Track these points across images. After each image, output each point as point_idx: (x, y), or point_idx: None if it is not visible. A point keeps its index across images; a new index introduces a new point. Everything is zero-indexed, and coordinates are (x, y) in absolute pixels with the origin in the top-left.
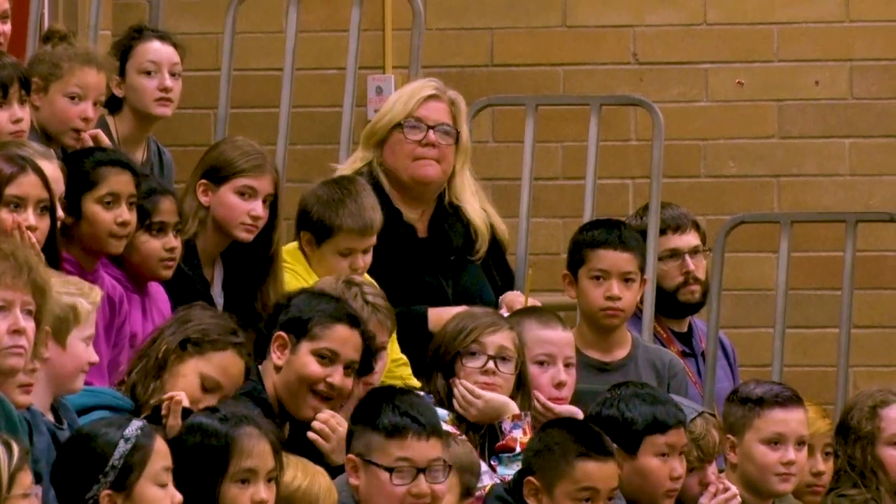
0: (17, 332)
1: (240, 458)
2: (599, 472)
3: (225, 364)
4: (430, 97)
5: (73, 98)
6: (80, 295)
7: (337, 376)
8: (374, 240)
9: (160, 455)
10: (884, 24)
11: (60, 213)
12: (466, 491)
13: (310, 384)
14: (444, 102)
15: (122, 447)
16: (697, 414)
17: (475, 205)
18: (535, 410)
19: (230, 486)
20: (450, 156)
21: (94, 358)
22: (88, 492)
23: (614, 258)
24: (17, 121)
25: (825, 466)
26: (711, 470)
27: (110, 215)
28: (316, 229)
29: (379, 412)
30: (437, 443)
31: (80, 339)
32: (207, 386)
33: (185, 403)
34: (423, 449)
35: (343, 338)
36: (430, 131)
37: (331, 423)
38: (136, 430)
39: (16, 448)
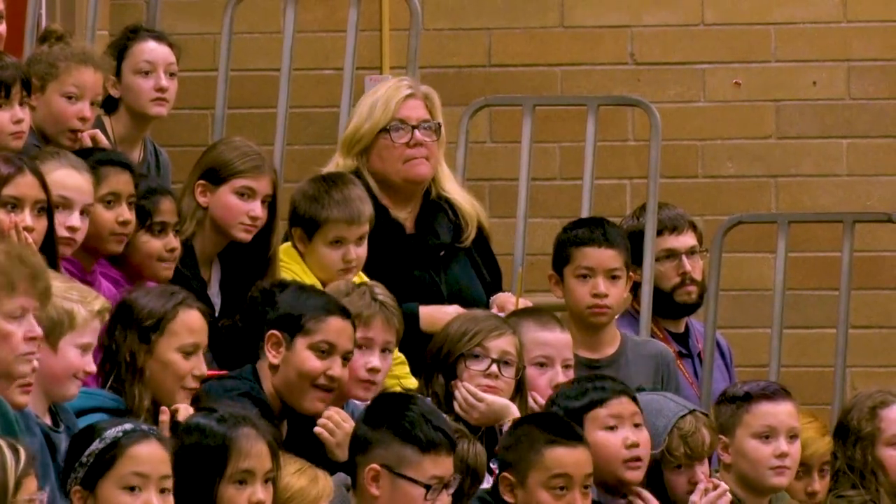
0: (33, 338)
1: (237, 459)
2: (570, 457)
3: (186, 325)
4: (408, 97)
5: (69, 98)
6: (80, 302)
7: (336, 368)
8: (365, 229)
9: (133, 460)
10: (881, 25)
11: (76, 221)
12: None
13: (311, 379)
14: (420, 99)
15: (95, 446)
16: (688, 411)
17: (459, 190)
18: (533, 412)
19: (227, 486)
20: (436, 151)
21: (91, 367)
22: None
23: (599, 255)
24: (18, 121)
25: (820, 486)
26: (702, 469)
27: (111, 215)
28: (305, 224)
29: (411, 423)
30: (452, 456)
31: (74, 345)
32: (187, 352)
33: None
34: (449, 464)
35: (338, 329)
36: (416, 131)
37: (334, 419)
38: (119, 431)
39: (23, 453)
